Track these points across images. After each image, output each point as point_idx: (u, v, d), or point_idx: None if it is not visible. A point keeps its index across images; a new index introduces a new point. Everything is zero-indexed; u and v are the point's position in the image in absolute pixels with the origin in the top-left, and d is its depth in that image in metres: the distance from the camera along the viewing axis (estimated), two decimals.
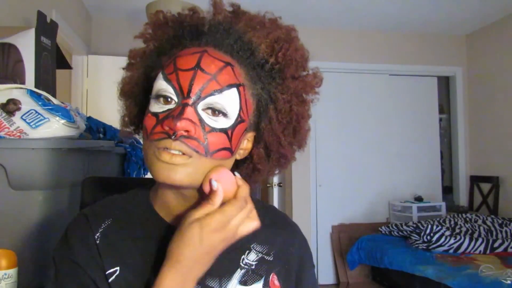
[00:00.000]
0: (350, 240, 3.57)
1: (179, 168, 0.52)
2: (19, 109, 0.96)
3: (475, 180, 3.90)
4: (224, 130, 0.55)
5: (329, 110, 3.84)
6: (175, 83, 0.54)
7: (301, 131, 0.66)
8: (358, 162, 3.85)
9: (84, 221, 0.60)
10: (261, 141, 0.63)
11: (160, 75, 0.56)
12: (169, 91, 0.54)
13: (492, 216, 3.38)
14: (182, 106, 0.53)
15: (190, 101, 0.53)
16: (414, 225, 3.18)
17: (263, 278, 0.62)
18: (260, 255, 0.64)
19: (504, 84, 3.56)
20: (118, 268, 0.56)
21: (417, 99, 4.04)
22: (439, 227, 2.96)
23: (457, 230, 3.10)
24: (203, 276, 0.57)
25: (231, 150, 0.57)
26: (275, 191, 3.96)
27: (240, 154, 0.63)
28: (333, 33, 3.85)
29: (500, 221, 3.22)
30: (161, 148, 0.52)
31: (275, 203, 3.92)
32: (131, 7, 3.20)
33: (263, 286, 0.61)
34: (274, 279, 0.63)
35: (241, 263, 0.62)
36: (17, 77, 1.15)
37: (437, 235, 2.87)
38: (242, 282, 0.61)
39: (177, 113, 0.52)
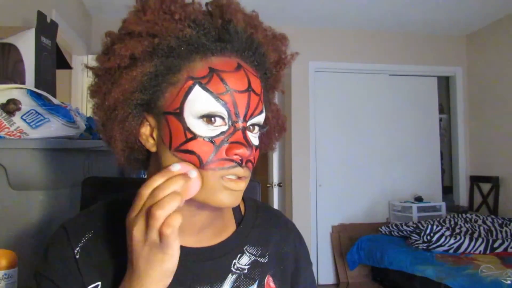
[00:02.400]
0: (350, 240, 3.57)
1: (240, 192, 0.54)
2: (19, 109, 0.96)
3: (475, 180, 3.90)
4: (258, 145, 0.57)
5: (329, 110, 3.84)
6: (231, 106, 0.51)
7: (284, 126, 0.68)
8: (358, 162, 3.85)
9: (63, 236, 0.58)
10: None
11: (205, 93, 0.51)
12: (223, 113, 0.51)
13: (492, 216, 3.38)
14: (241, 131, 0.52)
15: (246, 124, 0.53)
16: (414, 225, 3.18)
17: (256, 282, 0.60)
18: (253, 257, 0.62)
19: (504, 84, 3.56)
20: (99, 283, 0.55)
21: (417, 99, 4.04)
22: (439, 227, 2.96)
23: (457, 230, 3.10)
24: (191, 285, 0.57)
25: None
26: (275, 191, 3.96)
27: None
28: (333, 33, 3.85)
29: (500, 221, 3.22)
30: (227, 176, 0.52)
31: (275, 203, 3.92)
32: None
33: None
34: (269, 281, 0.62)
35: (232, 268, 0.60)
36: (17, 77, 1.14)
37: (437, 235, 2.87)
38: (235, 287, 0.59)
39: (243, 139, 0.52)
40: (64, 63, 1.65)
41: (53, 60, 1.34)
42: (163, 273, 0.47)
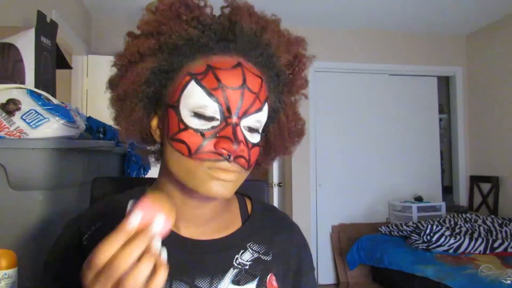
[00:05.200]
0: (350, 240, 3.57)
1: (230, 184, 0.55)
2: (19, 109, 0.96)
3: (475, 180, 3.90)
4: (258, 144, 0.58)
5: (329, 110, 3.84)
6: (223, 101, 0.53)
7: (303, 130, 0.68)
8: (358, 162, 3.85)
9: (74, 225, 0.62)
10: (262, 139, 0.64)
11: (199, 88, 0.53)
12: (214, 108, 0.53)
13: (492, 216, 3.38)
14: (232, 126, 0.53)
15: (238, 121, 0.54)
16: (414, 225, 3.18)
17: (257, 279, 0.61)
18: (256, 254, 0.64)
19: (504, 84, 3.56)
20: None
21: (417, 99, 4.04)
22: (439, 227, 2.95)
23: (457, 230, 3.10)
24: (192, 275, 0.58)
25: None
26: (275, 191, 3.96)
27: None
28: (333, 33, 3.85)
29: (500, 221, 3.22)
30: (215, 168, 0.53)
31: (275, 203, 3.92)
32: (131, 7, 3.20)
33: (256, 287, 0.61)
34: (272, 280, 0.63)
35: (234, 263, 0.62)
36: (17, 77, 1.15)
37: (437, 235, 2.87)
38: (235, 281, 0.60)
39: (231, 134, 0.52)
40: (64, 63, 1.65)
41: (53, 60, 1.34)
42: None
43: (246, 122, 0.55)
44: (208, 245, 0.62)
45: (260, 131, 0.58)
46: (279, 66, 0.61)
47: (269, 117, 0.62)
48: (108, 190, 0.86)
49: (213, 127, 0.53)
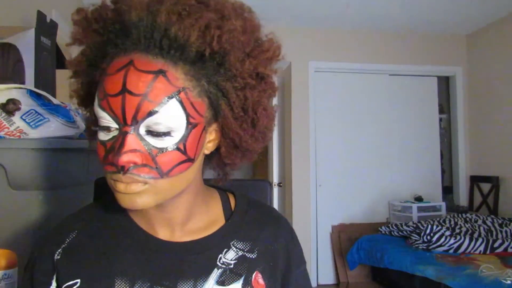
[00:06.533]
0: (350, 240, 3.58)
1: (138, 195, 0.51)
2: (19, 109, 0.96)
3: (475, 180, 3.90)
4: (174, 147, 0.50)
5: (329, 110, 3.84)
6: (109, 111, 0.49)
7: (259, 122, 0.58)
8: (358, 162, 3.85)
9: (46, 240, 0.61)
10: (223, 135, 0.58)
11: (96, 100, 0.51)
12: (107, 118, 0.50)
13: (492, 216, 3.38)
14: (122, 136, 0.49)
15: (130, 129, 0.49)
16: (414, 225, 3.18)
17: (242, 278, 0.59)
18: (240, 252, 0.61)
19: (504, 84, 3.56)
20: (79, 280, 0.56)
21: (417, 99, 4.04)
22: (439, 227, 2.96)
23: (457, 230, 3.10)
24: (174, 279, 0.57)
25: (191, 159, 0.53)
26: (275, 191, 3.96)
27: (208, 148, 0.58)
28: (333, 33, 3.85)
29: (500, 221, 3.22)
30: (114, 180, 0.51)
31: (275, 203, 3.92)
32: None
33: (242, 286, 0.59)
34: (258, 278, 0.61)
35: (218, 263, 0.59)
36: (17, 77, 1.15)
37: (437, 235, 2.87)
38: (220, 282, 0.58)
39: (118, 145, 0.48)
40: (64, 63, 1.65)
41: (53, 60, 1.34)
42: None
43: (145, 127, 0.49)
44: (189, 247, 0.60)
45: (175, 133, 0.50)
46: (193, 48, 0.50)
47: (214, 106, 0.54)
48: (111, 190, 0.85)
49: (113, 137, 0.50)
